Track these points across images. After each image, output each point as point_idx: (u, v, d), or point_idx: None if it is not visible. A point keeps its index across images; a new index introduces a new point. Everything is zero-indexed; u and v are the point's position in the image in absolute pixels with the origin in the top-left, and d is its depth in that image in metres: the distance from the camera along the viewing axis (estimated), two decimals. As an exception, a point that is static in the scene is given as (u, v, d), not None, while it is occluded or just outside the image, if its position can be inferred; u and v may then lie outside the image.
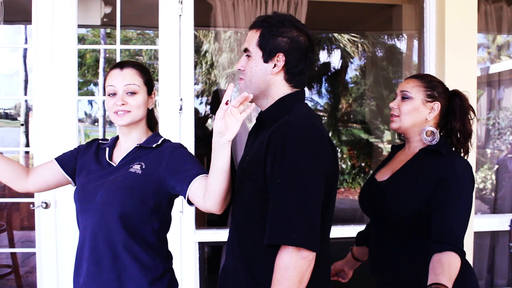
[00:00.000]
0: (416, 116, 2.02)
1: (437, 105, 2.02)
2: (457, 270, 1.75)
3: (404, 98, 2.03)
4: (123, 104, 1.88)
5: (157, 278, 1.86)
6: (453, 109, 2.03)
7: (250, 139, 1.88)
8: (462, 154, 2.05)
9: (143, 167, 1.86)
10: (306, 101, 1.80)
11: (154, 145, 1.92)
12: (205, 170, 1.79)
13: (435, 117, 2.03)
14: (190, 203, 1.82)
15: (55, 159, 2.05)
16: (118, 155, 1.97)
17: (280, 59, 1.69)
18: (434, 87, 2.03)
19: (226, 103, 1.54)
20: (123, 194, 1.82)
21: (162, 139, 1.96)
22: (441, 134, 2.06)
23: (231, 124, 1.56)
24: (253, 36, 1.73)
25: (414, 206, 1.92)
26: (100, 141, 2.07)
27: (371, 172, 2.21)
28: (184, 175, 1.79)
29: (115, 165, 1.93)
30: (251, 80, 1.72)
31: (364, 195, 2.16)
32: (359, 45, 12.29)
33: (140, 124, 1.95)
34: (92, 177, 1.93)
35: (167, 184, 1.84)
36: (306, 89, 1.85)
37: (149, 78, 1.96)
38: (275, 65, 1.70)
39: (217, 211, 1.70)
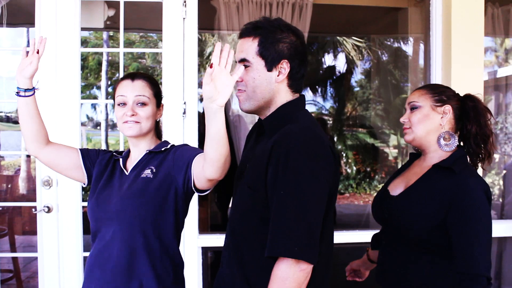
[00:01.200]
0: (428, 124, 1.96)
1: (448, 108, 1.95)
2: None
3: (413, 108, 1.99)
4: (133, 115, 1.90)
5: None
6: (467, 111, 1.96)
7: (249, 143, 1.86)
8: (486, 159, 1.97)
9: (154, 170, 1.89)
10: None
11: (163, 149, 1.95)
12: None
13: (450, 121, 1.96)
14: (197, 190, 1.86)
15: (79, 149, 2.09)
16: (130, 164, 2.00)
17: (284, 66, 1.66)
18: (441, 92, 1.99)
19: (211, 66, 1.48)
20: (137, 200, 1.84)
21: (171, 144, 1.99)
22: (460, 141, 2.00)
23: (222, 88, 1.49)
24: (250, 45, 1.66)
25: (425, 227, 1.86)
26: (114, 153, 2.09)
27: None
28: (187, 160, 1.84)
29: (127, 174, 1.96)
30: (255, 91, 1.67)
31: (376, 207, 2.11)
32: (363, 50, 12.27)
33: (148, 136, 1.99)
34: (107, 186, 1.96)
35: (178, 179, 1.86)
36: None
37: (158, 91, 2.00)
38: (279, 73, 1.66)
39: (217, 177, 1.68)
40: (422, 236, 1.87)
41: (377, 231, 2.23)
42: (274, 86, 1.67)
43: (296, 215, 1.49)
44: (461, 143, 2.02)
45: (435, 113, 1.96)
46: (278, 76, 1.66)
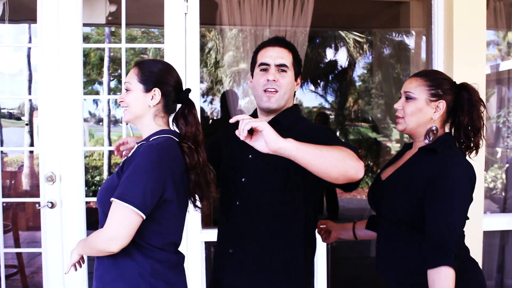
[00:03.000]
0: (421, 117, 1.98)
1: (442, 104, 1.96)
2: (452, 283, 1.73)
3: (408, 98, 2.00)
4: (121, 101, 1.90)
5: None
6: (461, 103, 1.97)
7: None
8: (473, 150, 2.00)
9: (121, 166, 1.83)
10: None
11: (139, 144, 1.87)
12: (119, 190, 1.68)
13: (442, 115, 1.98)
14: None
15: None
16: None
17: (299, 81, 2.11)
18: (438, 85, 1.98)
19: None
20: (101, 195, 1.82)
21: (153, 137, 1.85)
22: (451, 129, 2.02)
23: (262, 136, 1.63)
24: (287, 56, 2.04)
25: (409, 206, 1.89)
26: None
27: (378, 171, 2.19)
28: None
29: None
30: (286, 93, 2.02)
31: (370, 193, 2.15)
32: (364, 45, 12.24)
33: (142, 121, 1.90)
34: None
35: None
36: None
37: (146, 76, 1.88)
38: (297, 84, 2.11)
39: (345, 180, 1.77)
40: (407, 216, 1.90)
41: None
42: (292, 93, 2.08)
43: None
44: (452, 132, 2.03)
45: (428, 107, 1.97)
46: (296, 85, 2.10)
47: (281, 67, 2.01)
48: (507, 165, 4.40)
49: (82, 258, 1.90)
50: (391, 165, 2.15)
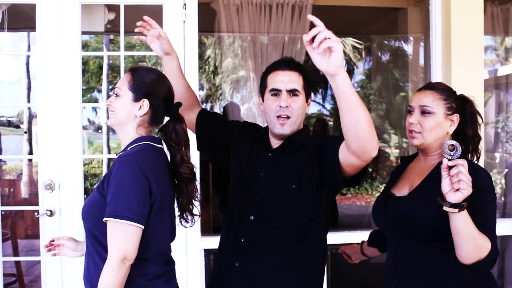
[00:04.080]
0: (439, 131, 1.96)
1: (456, 117, 1.97)
2: (484, 248, 1.73)
3: (425, 113, 1.96)
4: (108, 104, 1.88)
5: None
6: (466, 116, 2.00)
7: (260, 157, 2.08)
8: (475, 160, 2.02)
9: (102, 180, 1.79)
10: (312, 105, 2.00)
11: (116, 155, 1.84)
12: (111, 208, 1.67)
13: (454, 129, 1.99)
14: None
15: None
16: None
17: (309, 102, 2.09)
18: (452, 99, 1.98)
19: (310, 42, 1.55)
20: (85, 211, 1.81)
21: (130, 147, 1.83)
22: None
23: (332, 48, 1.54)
24: (298, 79, 2.01)
25: (439, 221, 1.83)
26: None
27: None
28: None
29: None
30: (298, 116, 2.00)
31: (379, 211, 2.08)
32: (362, 51, 12.26)
33: (123, 128, 1.88)
34: None
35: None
36: (312, 93, 2.14)
37: (138, 86, 1.85)
38: (308, 105, 2.09)
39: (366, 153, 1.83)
40: (435, 233, 1.87)
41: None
42: (304, 116, 2.06)
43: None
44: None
45: (446, 121, 1.96)
46: (307, 106, 2.08)
47: (292, 92, 1.99)
48: (506, 170, 4.40)
49: None
50: (399, 180, 2.10)
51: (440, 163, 1.90)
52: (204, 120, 2.25)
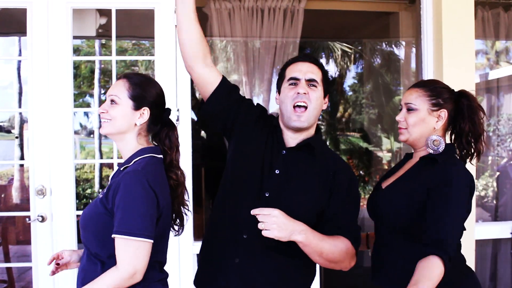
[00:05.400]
0: (424, 127, 2.00)
1: (444, 113, 1.99)
2: (438, 276, 1.72)
3: (409, 110, 2.02)
4: (102, 112, 1.84)
5: None
6: (461, 110, 2.00)
7: (276, 152, 2.00)
8: (475, 157, 2.02)
9: (105, 191, 1.78)
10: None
11: (122, 168, 1.83)
12: (122, 225, 1.66)
13: (443, 123, 2.01)
14: None
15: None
16: None
17: (327, 100, 2.06)
18: (438, 94, 2.00)
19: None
20: (85, 221, 1.79)
21: (134, 160, 1.81)
22: (452, 137, 2.05)
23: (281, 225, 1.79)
24: (318, 72, 2.00)
25: (408, 214, 1.91)
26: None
27: (370, 181, 2.23)
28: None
29: None
30: (316, 108, 1.97)
31: (369, 201, 2.15)
32: (352, 55, 12.30)
33: (123, 137, 1.86)
34: None
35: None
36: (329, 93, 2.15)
37: (139, 94, 1.83)
38: (325, 103, 2.05)
39: None
40: (407, 224, 1.92)
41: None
42: (320, 111, 2.03)
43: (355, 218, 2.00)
44: (453, 140, 2.07)
45: (431, 117, 2.00)
46: (324, 104, 2.04)
47: (311, 82, 1.97)
48: (497, 173, 4.42)
49: None
50: (392, 174, 2.16)
51: (421, 158, 2.00)
52: (224, 95, 2.07)
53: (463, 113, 2.00)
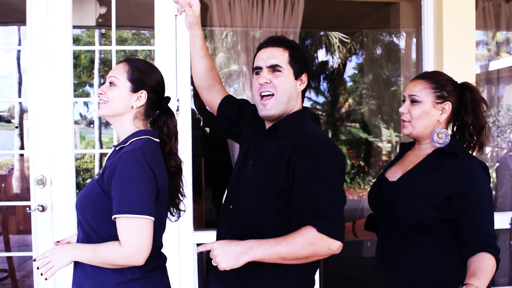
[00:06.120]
0: (428, 120, 1.98)
1: (448, 105, 1.97)
2: (492, 268, 1.74)
3: (413, 102, 1.99)
4: (100, 93, 1.84)
5: None
6: (465, 103, 1.99)
7: (255, 143, 1.98)
8: (477, 149, 2.02)
9: (100, 172, 1.79)
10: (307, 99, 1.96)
11: (117, 148, 1.83)
12: (123, 205, 1.67)
13: (447, 116, 1.99)
14: None
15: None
16: None
17: (304, 78, 1.95)
18: (443, 86, 1.98)
19: None
20: (81, 202, 1.80)
21: (130, 140, 1.81)
22: (454, 129, 2.04)
23: None
24: (282, 54, 1.90)
25: (428, 208, 1.90)
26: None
27: (370, 171, 2.21)
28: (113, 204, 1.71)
29: None
30: (284, 93, 1.89)
31: (373, 194, 2.12)
32: (350, 46, 12.28)
33: (120, 119, 1.86)
34: None
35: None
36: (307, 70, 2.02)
37: (137, 77, 1.84)
38: (301, 83, 1.94)
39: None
40: (423, 218, 1.91)
41: None
42: (296, 93, 1.93)
43: (329, 199, 1.75)
44: (455, 132, 2.05)
45: (435, 110, 1.97)
46: (299, 85, 1.94)
47: (274, 68, 1.88)
48: (497, 164, 4.43)
49: None
50: (393, 165, 2.14)
51: (437, 151, 1.98)
52: (225, 108, 2.20)
53: (466, 105, 1.98)
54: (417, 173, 1.98)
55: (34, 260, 1.81)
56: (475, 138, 1.99)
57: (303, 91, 1.98)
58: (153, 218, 1.69)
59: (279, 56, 1.89)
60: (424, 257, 1.92)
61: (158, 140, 1.87)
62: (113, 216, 1.67)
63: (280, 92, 1.88)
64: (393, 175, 2.07)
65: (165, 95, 1.95)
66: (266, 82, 1.88)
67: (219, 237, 1.96)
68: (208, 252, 1.77)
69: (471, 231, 1.80)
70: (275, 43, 1.93)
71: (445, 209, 1.88)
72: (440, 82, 1.99)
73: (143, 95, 1.84)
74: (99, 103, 1.85)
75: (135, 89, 1.83)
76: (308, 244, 1.70)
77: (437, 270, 1.90)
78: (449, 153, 1.93)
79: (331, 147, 1.86)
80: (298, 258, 1.72)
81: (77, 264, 1.81)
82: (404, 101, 2.05)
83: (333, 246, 1.71)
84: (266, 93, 1.89)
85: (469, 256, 1.77)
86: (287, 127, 1.89)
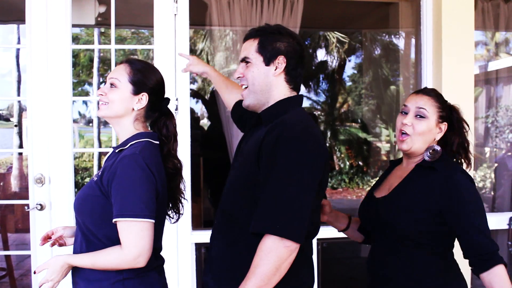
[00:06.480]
0: (428, 137, 1.97)
1: (444, 126, 1.99)
2: (507, 277, 1.79)
3: (420, 116, 1.96)
4: (101, 94, 1.84)
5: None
6: (452, 123, 2.02)
7: (246, 136, 1.95)
8: (465, 165, 2.04)
9: (99, 173, 1.79)
10: (304, 100, 1.86)
11: (117, 150, 1.83)
12: (125, 208, 1.67)
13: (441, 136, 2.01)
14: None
15: None
16: None
17: (281, 61, 1.81)
18: (445, 107, 2.00)
19: None
20: (79, 203, 1.80)
21: (130, 143, 1.81)
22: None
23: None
24: (251, 45, 1.84)
25: (416, 223, 1.89)
26: None
27: (369, 171, 2.19)
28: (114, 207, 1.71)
29: None
30: (253, 83, 1.82)
31: (362, 211, 2.12)
32: (348, 45, 12.29)
33: (120, 121, 1.86)
34: None
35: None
36: (303, 88, 1.92)
37: (139, 79, 1.84)
38: (276, 68, 1.81)
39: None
40: (412, 233, 1.91)
41: None
42: (272, 80, 1.82)
43: (281, 195, 1.61)
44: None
45: (436, 128, 1.98)
46: (275, 70, 1.81)
47: (245, 61, 1.85)
48: (496, 165, 4.44)
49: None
50: (382, 182, 2.13)
51: (417, 166, 1.98)
52: (238, 109, 2.21)
53: (454, 126, 2.01)
54: (401, 189, 1.98)
55: (34, 273, 1.80)
56: (462, 155, 2.03)
57: (291, 75, 1.85)
58: (153, 221, 1.69)
59: (248, 47, 1.85)
60: (418, 271, 1.91)
61: (157, 142, 1.88)
62: (114, 220, 1.67)
63: (250, 83, 1.83)
64: (380, 192, 2.07)
65: (165, 96, 1.95)
66: (239, 76, 1.86)
67: (212, 237, 1.94)
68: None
69: (475, 249, 1.82)
70: (248, 36, 1.89)
71: (430, 224, 1.88)
72: (444, 103, 2.01)
73: (144, 97, 1.84)
74: (99, 103, 1.86)
75: (136, 92, 1.83)
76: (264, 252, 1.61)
77: (422, 282, 1.91)
78: (429, 167, 1.93)
79: (301, 134, 1.70)
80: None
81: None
82: (404, 112, 2.01)
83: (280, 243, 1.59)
84: (243, 86, 1.88)
85: (483, 271, 1.80)
86: (268, 116, 1.81)
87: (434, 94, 2.02)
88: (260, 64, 1.82)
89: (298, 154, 1.64)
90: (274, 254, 1.57)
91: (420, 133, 1.94)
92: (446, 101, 2.04)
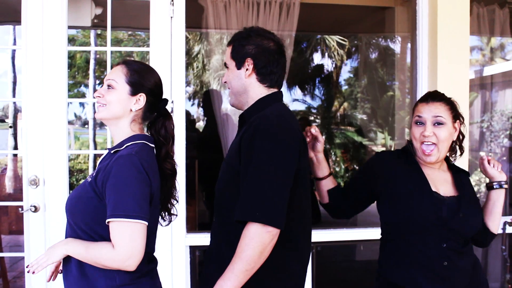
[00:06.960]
0: (450, 141, 2.06)
1: (458, 124, 2.06)
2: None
3: (438, 123, 2.00)
4: (98, 96, 1.84)
5: None
6: (458, 117, 2.10)
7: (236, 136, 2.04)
8: (459, 153, 2.15)
9: (94, 174, 1.78)
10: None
11: (112, 151, 1.82)
12: (118, 209, 1.65)
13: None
14: None
15: None
16: None
17: (249, 63, 1.94)
18: (453, 107, 2.06)
19: None
20: (71, 204, 1.79)
21: (126, 144, 1.80)
22: None
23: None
24: (228, 51, 2.01)
25: (479, 222, 2.08)
26: None
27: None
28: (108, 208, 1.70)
29: None
30: (232, 86, 1.99)
31: (428, 208, 1.99)
32: (346, 49, 12.31)
33: (117, 122, 1.85)
34: None
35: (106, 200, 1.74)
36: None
37: (136, 80, 1.84)
38: (246, 70, 1.94)
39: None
40: (473, 234, 2.07)
41: (365, 228, 2.25)
42: (244, 81, 1.95)
43: (259, 185, 1.72)
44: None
45: (452, 130, 2.05)
46: (246, 72, 1.94)
47: (225, 67, 2.03)
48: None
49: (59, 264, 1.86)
50: (427, 179, 2.06)
51: (458, 170, 2.14)
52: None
53: (459, 119, 2.11)
54: (465, 191, 2.09)
55: (27, 267, 1.79)
56: (457, 144, 2.12)
57: (263, 74, 1.94)
58: (147, 223, 1.68)
59: (227, 53, 2.01)
60: (470, 264, 2.06)
61: (153, 145, 1.87)
62: (107, 220, 1.65)
63: (230, 86, 2.00)
64: (446, 191, 2.05)
65: (163, 97, 1.95)
66: (225, 82, 2.03)
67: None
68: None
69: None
70: (228, 42, 2.04)
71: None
72: (452, 103, 2.06)
73: (141, 98, 1.84)
74: (96, 105, 1.85)
75: (133, 92, 1.83)
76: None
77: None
78: (463, 171, 2.13)
79: (277, 126, 1.80)
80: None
81: (66, 269, 1.81)
82: (420, 123, 2.03)
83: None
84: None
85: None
86: (249, 114, 1.93)
87: (442, 98, 2.07)
88: (234, 69, 1.97)
89: (273, 144, 1.75)
90: (257, 239, 1.68)
91: (443, 139, 2.00)
92: (450, 98, 2.08)
